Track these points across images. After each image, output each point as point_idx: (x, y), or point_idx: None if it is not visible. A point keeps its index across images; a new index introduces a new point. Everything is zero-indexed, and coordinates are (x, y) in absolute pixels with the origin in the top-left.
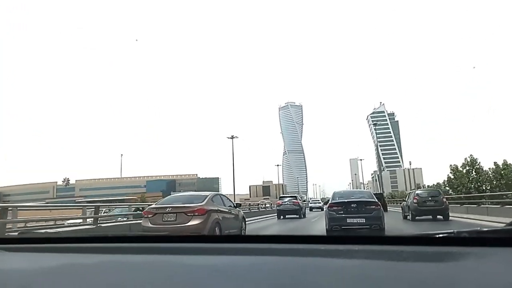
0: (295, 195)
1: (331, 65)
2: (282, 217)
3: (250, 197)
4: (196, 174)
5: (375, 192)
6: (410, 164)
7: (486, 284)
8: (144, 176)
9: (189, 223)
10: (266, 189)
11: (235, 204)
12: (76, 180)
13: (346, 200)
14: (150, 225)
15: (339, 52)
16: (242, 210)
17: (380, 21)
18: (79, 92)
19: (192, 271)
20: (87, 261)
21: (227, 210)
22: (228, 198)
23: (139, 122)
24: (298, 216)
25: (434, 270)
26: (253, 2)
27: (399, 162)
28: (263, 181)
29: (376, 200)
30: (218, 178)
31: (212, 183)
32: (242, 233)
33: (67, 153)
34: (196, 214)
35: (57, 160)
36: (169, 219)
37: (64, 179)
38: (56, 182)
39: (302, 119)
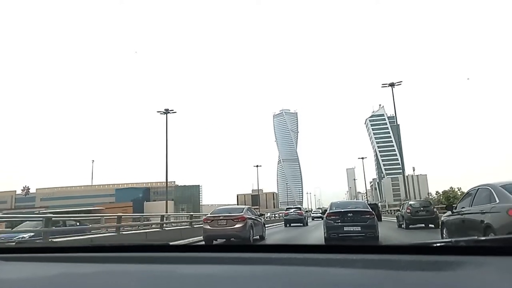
0: (299, 206)
1: (327, 71)
2: (288, 225)
3: None
4: (174, 182)
5: (370, 203)
6: (413, 170)
7: None
8: (114, 184)
9: (235, 226)
10: (255, 198)
11: (258, 214)
12: (37, 189)
13: (342, 210)
14: (209, 227)
15: (335, 57)
16: None
17: (375, 23)
18: (42, 94)
19: (190, 281)
20: (84, 270)
21: (255, 218)
22: (254, 210)
23: (110, 126)
24: (302, 224)
25: (432, 279)
26: (247, 9)
27: (401, 169)
28: (252, 190)
29: (371, 210)
30: (199, 186)
31: (192, 191)
32: (264, 235)
33: (28, 159)
34: (239, 220)
35: (16, 167)
36: (221, 223)
37: (23, 187)
38: (15, 191)
39: (297, 127)
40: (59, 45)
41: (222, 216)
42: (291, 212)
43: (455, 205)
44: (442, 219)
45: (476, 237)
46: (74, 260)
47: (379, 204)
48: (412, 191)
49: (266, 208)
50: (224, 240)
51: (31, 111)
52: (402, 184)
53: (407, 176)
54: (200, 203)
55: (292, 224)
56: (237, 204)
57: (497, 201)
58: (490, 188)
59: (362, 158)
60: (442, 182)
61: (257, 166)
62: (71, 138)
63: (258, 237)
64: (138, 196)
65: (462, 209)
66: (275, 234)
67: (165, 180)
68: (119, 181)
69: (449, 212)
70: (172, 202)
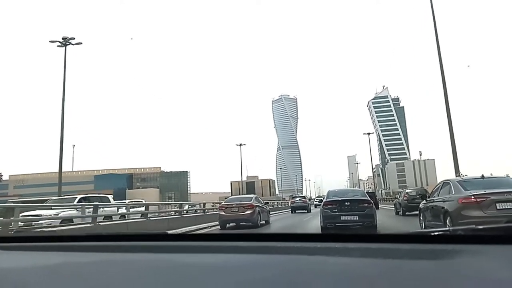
0: (304, 195)
1: (327, 54)
2: (294, 211)
3: (231, 195)
4: (160, 167)
5: (367, 191)
6: (420, 155)
7: (481, 281)
8: (94, 170)
9: (245, 212)
10: (250, 185)
11: (264, 202)
12: (9, 176)
13: (340, 199)
14: (224, 213)
15: (335, 39)
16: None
17: (377, 4)
18: (12, 72)
19: (188, 269)
20: (83, 259)
21: (261, 206)
22: (261, 199)
23: (92, 108)
24: (306, 211)
25: (430, 267)
26: None
27: (406, 154)
28: (247, 176)
29: (369, 198)
30: (187, 172)
31: (179, 178)
32: (269, 220)
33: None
34: (249, 207)
35: None
36: (234, 210)
37: None
38: None
39: (297, 113)
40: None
41: (234, 204)
42: (297, 200)
43: (429, 194)
44: (420, 206)
45: (473, 226)
46: (73, 249)
47: (383, 191)
48: (419, 176)
49: (262, 196)
50: (235, 224)
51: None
52: (410, 169)
53: (413, 161)
54: (189, 191)
55: (297, 211)
56: (231, 192)
57: (453, 192)
58: (450, 182)
59: (368, 133)
60: (451, 167)
61: (240, 144)
62: (46, 120)
63: (264, 222)
64: (119, 183)
65: (433, 198)
66: (278, 221)
67: (152, 166)
68: (101, 167)
69: (424, 201)
70: (158, 190)
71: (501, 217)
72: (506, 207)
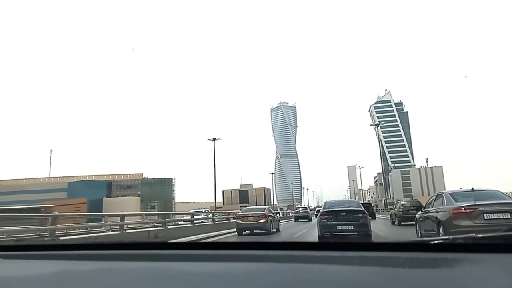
0: (305, 206)
1: (327, 60)
2: (297, 220)
3: (223, 204)
4: (141, 174)
5: (364, 202)
6: (426, 162)
7: None
8: (69, 177)
9: (260, 221)
10: (243, 194)
11: (275, 212)
12: None
13: (336, 209)
14: (241, 221)
15: (335, 46)
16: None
17: (376, 12)
18: None
19: (189, 278)
20: (84, 268)
21: (273, 215)
22: (272, 209)
23: (70, 112)
24: (308, 219)
25: (430, 276)
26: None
27: (410, 161)
28: (241, 185)
29: (363, 209)
30: (172, 178)
31: (163, 186)
32: (279, 228)
33: None
34: (262, 216)
35: None
36: (250, 219)
37: None
38: None
39: (296, 121)
40: None
41: (250, 213)
42: (300, 211)
43: (423, 205)
44: (416, 216)
45: (473, 235)
46: (73, 257)
47: (387, 200)
48: (425, 185)
49: (256, 205)
50: (249, 231)
51: None
52: (416, 177)
53: (418, 168)
54: (174, 200)
55: (300, 220)
56: (223, 200)
57: (446, 204)
58: (443, 194)
59: (377, 124)
60: (460, 174)
61: (214, 139)
62: (19, 125)
63: (275, 229)
64: (96, 191)
65: (428, 209)
66: (286, 229)
67: (133, 172)
68: (78, 173)
69: (420, 211)
70: (138, 199)
71: (488, 227)
72: (493, 217)
